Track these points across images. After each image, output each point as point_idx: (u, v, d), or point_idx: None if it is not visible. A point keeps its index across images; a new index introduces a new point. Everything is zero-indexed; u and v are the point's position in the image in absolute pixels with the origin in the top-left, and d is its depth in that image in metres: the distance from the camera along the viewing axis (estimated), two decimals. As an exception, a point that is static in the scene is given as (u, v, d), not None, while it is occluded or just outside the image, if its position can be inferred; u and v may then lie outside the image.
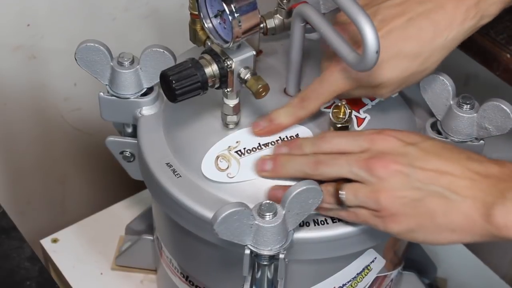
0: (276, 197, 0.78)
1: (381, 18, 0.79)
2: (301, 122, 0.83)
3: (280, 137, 0.83)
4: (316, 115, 0.84)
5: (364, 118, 0.86)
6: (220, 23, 0.77)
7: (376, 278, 0.88)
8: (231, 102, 0.81)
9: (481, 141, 0.86)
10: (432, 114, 0.87)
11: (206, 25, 0.78)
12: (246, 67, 0.78)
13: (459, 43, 0.80)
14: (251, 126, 0.83)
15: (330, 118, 0.82)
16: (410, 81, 0.81)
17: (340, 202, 0.76)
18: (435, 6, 0.79)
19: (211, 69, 0.78)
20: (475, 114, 0.84)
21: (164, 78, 0.77)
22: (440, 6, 0.79)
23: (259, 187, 0.80)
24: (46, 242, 1.09)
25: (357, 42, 0.78)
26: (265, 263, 0.76)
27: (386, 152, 0.75)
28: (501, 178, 0.72)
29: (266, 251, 0.74)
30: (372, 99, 0.87)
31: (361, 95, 0.83)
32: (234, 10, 0.73)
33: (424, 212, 0.73)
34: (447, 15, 0.79)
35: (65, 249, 1.08)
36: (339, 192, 0.75)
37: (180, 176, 0.82)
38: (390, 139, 0.76)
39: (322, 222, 0.79)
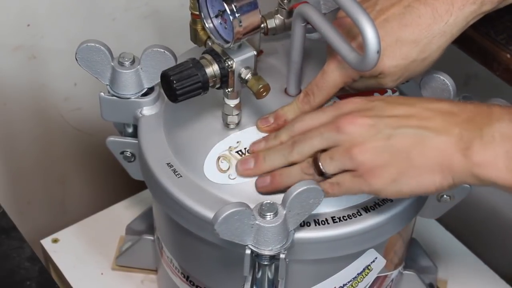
0: (265, 184, 0.78)
1: (379, 8, 0.79)
2: None
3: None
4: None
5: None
6: (221, 23, 0.77)
7: (377, 278, 0.88)
8: (232, 102, 0.81)
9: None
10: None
11: (207, 25, 0.78)
12: (247, 67, 0.78)
13: (462, 29, 0.80)
14: (258, 123, 0.83)
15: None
16: (412, 69, 0.80)
17: (321, 172, 0.75)
18: None
19: (212, 69, 0.78)
20: (475, 114, 0.84)
21: (165, 78, 0.77)
22: None
23: (260, 187, 0.81)
24: (46, 242, 1.09)
25: (353, 36, 0.79)
26: (266, 263, 0.76)
27: (352, 110, 0.75)
28: (476, 113, 0.71)
29: (267, 251, 0.74)
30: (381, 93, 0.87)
31: (366, 86, 0.82)
32: (235, 10, 0.73)
33: (400, 156, 0.72)
34: (445, 0, 0.78)
35: (66, 249, 1.08)
36: (318, 161, 0.75)
37: (181, 176, 0.82)
38: (355, 100, 0.77)
39: (323, 222, 0.79)
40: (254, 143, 0.82)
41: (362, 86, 0.82)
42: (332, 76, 0.81)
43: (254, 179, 0.80)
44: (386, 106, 0.75)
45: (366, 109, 0.75)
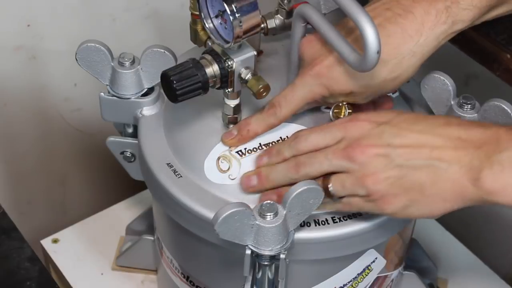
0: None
1: (350, 27, 0.79)
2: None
3: (281, 137, 0.83)
4: (317, 115, 0.85)
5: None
6: (221, 23, 0.77)
7: (377, 278, 0.88)
8: (232, 103, 0.81)
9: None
10: (433, 114, 0.87)
11: (207, 25, 0.78)
12: (247, 67, 0.78)
13: (434, 49, 0.79)
14: (223, 137, 0.82)
15: (331, 118, 0.82)
16: (383, 87, 0.80)
17: (331, 196, 0.76)
18: (404, 11, 0.78)
19: (212, 69, 0.78)
20: (476, 114, 0.84)
21: (165, 78, 0.77)
22: (409, 11, 0.77)
23: (260, 187, 0.80)
24: (46, 242, 1.09)
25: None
26: (266, 263, 0.76)
27: (361, 137, 0.75)
28: (485, 140, 0.71)
29: (267, 251, 0.74)
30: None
31: (337, 102, 0.82)
32: (235, 10, 0.73)
33: (412, 187, 0.72)
34: (416, 20, 0.77)
35: (66, 249, 1.08)
36: (328, 186, 0.75)
37: (181, 176, 0.82)
38: (362, 123, 0.76)
39: (323, 222, 0.79)
40: (258, 158, 0.81)
41: (333, 103, 0.82)
42: (303, 90, 0.80)
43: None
44: (396, 132, 0.74)
45: (375, 136, 0.74)
